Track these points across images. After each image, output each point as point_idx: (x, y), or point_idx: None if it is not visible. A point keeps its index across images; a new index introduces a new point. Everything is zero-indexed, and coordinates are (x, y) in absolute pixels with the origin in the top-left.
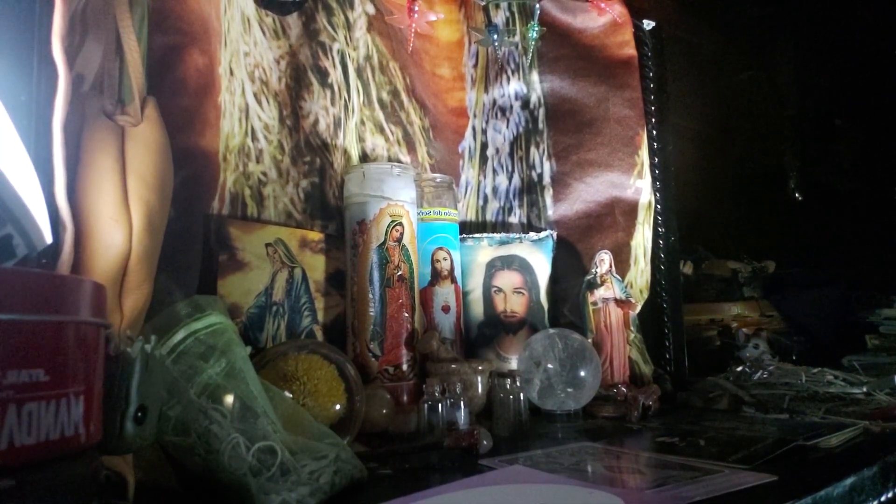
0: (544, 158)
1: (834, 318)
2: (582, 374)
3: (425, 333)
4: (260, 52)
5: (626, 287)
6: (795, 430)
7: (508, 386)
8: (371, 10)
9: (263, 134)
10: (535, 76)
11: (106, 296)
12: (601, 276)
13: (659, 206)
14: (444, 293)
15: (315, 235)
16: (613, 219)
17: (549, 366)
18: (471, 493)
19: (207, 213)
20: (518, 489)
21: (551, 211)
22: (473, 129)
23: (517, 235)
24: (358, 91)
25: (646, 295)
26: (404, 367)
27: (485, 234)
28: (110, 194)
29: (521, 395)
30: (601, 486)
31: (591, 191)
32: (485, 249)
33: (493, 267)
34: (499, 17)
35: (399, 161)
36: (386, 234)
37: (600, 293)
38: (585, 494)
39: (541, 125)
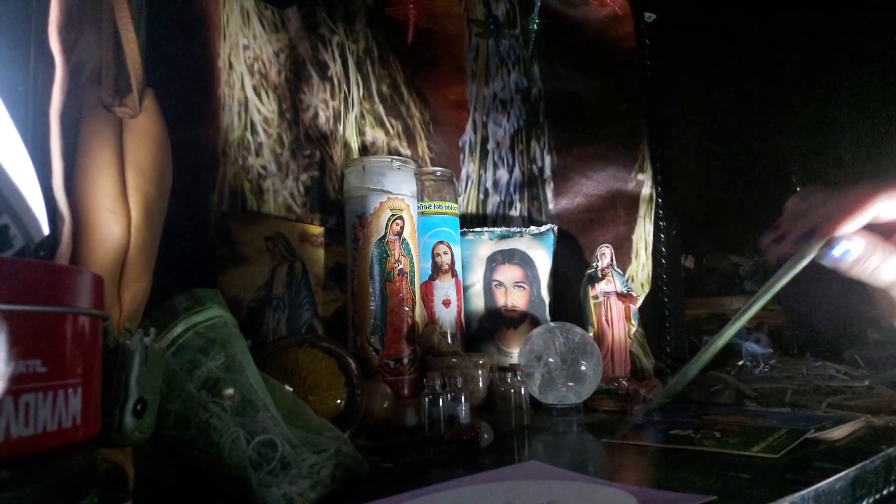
0: (545, 152)
1: (835, 312)
2: (583, 367)
3: (426, 328)
4: (259, 45)
5: (627, 281)
6: (799, 423)
7: (509, 380)
8: (371, 2)
9: (263, 127)
10: (535, 69)
11: (104, 287)
12: (602, 270)
13: (660, 200)
14: (445, 287)
15: (315, 229)
16: (614, 212)
17: (550, 360)
18: (482, 488)
19: (207, 207)
20: (530, 485)
21: (552, 205)
22: (474, 122)
23: (518, 229)
24: (358, 84)
25: (647, 289)
26: (405, 361)
27: (485, 228)
28: (108, 186)
29: (522, 388)
30: (617, 483)
31: (592, 184)
32: (485, 243)
33: (493, 261)
34: (499, 10)
35: (399, 154)
36: (386, 227)
37: (601, 287)
38: (598, 491)
39: (541, 118)
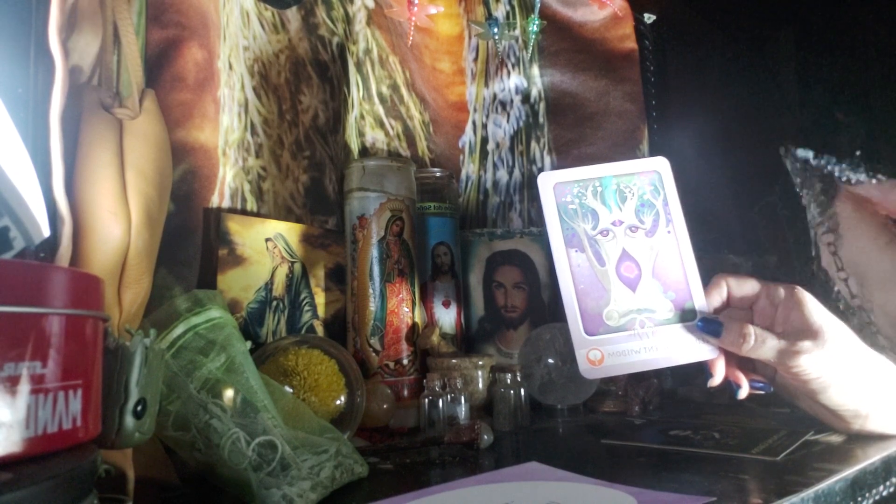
0: (545, 153)
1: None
2: None
3: (426, 328)
4: (259, 47)
5: None
6: (799, 424)
7: (509, 381)
8: (370, 3)
9: (263, 128)
10: (535, 70)
11: (104, 289)
12: None
13: None
14: (445, 288)
15: (315, 230)
16: None
17: (550, 360)
18: (482, 489)
19: (207, 208)
20: (530, 486)
21: None
22: (474, 123)
23: (518, 230)
24: (357, 85)
25: None
26: (405, 362)
27: (485, 229)
28: (109, 188)
29: (522, 389)
30: (617, 485)
31: None
32: (485, 244)
33: (493, 262)
34: (499, 11)
35: (399, 155)
36: (386, 228)
37: None
38: (597, 492)
39: (541, 119)
